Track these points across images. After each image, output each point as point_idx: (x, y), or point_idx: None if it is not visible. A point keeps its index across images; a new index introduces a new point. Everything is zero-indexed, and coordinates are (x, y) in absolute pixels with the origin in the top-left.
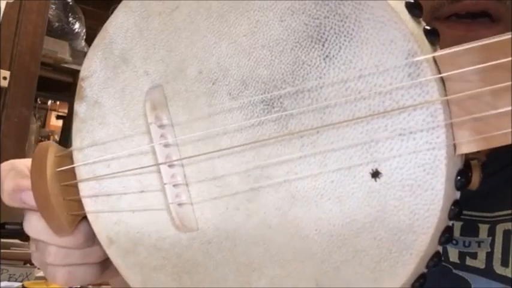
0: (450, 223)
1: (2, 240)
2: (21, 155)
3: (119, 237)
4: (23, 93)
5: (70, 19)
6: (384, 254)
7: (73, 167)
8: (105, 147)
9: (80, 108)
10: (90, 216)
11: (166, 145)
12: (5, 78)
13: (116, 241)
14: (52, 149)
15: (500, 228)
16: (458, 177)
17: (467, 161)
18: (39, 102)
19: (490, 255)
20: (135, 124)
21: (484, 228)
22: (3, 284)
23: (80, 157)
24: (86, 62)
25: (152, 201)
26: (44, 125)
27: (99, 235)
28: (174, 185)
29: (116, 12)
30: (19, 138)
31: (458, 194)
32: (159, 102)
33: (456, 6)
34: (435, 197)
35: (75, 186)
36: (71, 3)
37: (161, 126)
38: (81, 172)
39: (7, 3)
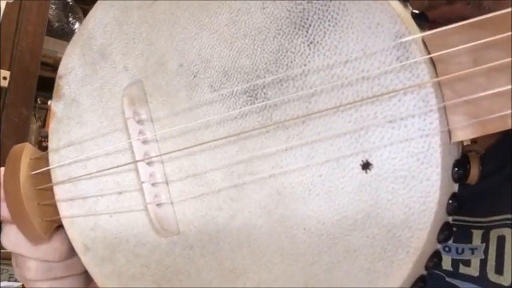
0: (449, 219)
1: None
2: None
3: (95, 243)
4: (23, 93)
5: (70, 19)
6: (378, 253)
7: (49, 170)
8: (82, 147)
9: (57, 107)
10: (65, 222)
11: (145, 142)
12: (5, 78)
13: (92, 248)
14: (27, 151)
15: (494, 234)
16: (456, 169)
17: (465, 153)
18: (39, 102)
19: (483, 263)
20: (113, 122)
21: (477, 234)
22: (3, 284)
23: (56, 158)
24: (64, 59)
25: (130, 203)
26: (44, 125)
27: (75, 242)
28: (152, 184)
29: (94, 7)
30: (19, 138)
31: (456, 187)
32: (138, 97)
33: (433, 13)
34: (431, 188)
35: (51, 190)
36: (71, 3)
37: (140, 121)
38: (57, 174)
39: (7, 3)
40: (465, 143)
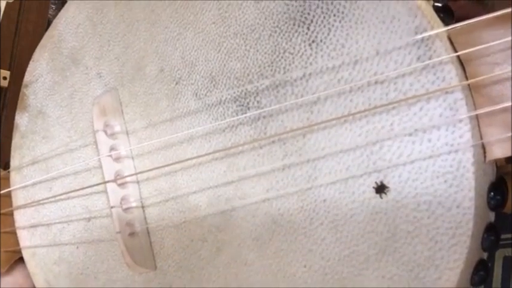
0: (484, 255)
1: None
2: None
3: (59, 280)
4: None
5: None
6: None
7: (10, 193)
8: (48, 166)
9: (21, 120)
10: (25, 254)
11: (117, 159)
12: (5, 78)
13: (55, 285)
14: None
15: (500, 254)
16: (492, 193)
17: (501, 176)
18: None
19: (488, 285)
20: (83, 136)
21: None
22: None
23: (17, 179)
24: (31, 65)
25: (100, 232)
26: None
27: (36, 277)
28: (124, 210)
29: (66, 5)
30: None
31: (492, 216)
32: (110, 107)
33: None
34: (462, 217)
35: (13, 215)
36: None
37: (112, 135)
38: (18, 198)
39: (7, 3)
40: (498, 164)
